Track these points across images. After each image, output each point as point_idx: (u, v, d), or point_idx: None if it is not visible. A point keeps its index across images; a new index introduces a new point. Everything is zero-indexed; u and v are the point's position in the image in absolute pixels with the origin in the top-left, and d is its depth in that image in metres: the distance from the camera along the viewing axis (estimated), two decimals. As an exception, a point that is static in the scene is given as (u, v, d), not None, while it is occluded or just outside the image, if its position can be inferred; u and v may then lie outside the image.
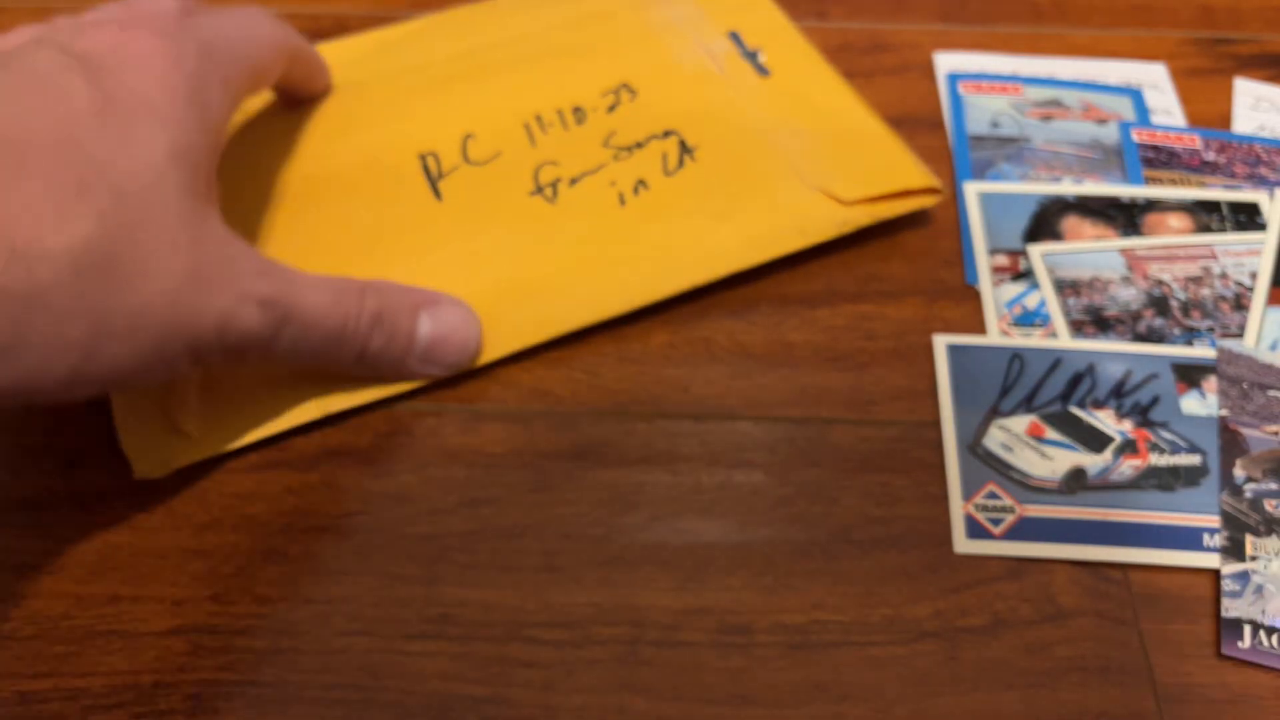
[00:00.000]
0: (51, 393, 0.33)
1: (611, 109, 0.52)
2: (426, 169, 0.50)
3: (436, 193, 0.49)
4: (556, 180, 0.49)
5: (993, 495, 0.42)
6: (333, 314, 0.40)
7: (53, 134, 0.34)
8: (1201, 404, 0.44)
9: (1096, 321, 0.47)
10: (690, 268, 0.47)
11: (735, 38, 0.55)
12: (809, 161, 0.50)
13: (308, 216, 0.48)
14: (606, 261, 0.47)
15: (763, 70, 0.54)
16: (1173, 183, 0.53)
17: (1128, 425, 0.43)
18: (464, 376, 0.45)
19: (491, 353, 0.45)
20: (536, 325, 0.45)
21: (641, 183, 0.49)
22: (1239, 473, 0.42)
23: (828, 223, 0.48)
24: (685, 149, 0.50)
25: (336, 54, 0.56)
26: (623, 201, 0.49)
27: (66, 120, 0.34)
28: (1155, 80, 0.58)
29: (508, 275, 0.46)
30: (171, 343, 0.35)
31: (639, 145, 0.50)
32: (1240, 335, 0.46)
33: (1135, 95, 0.57)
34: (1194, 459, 0.42)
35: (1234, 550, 0.40)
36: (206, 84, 0.39)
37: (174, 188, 0.36)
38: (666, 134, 0.51)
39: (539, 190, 0.49)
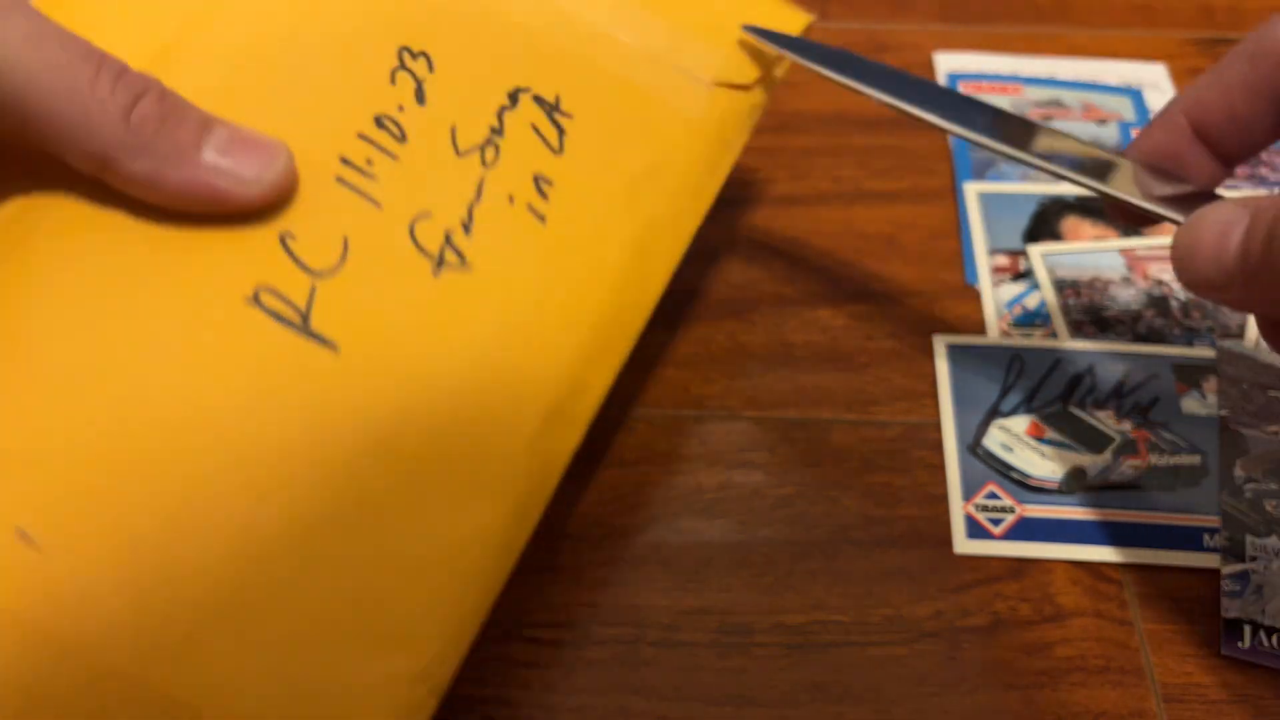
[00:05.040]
0: None
1: (420, 99, 0.37)
2: (278, 315, 0.33)
3: (316, 337, 0.33)
4: (448, 234, 0.35)
5: (993, 495, 0.42)
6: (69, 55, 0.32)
7: None
8: (1201, 404, 0.44)
9: (1096, 321, 0.47)
10: (660, 250, 0.39)
11: None
12: (677, 52, 0.41)
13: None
14: (570, 304, 0.36)
15: None
16: (1173, 183, 0.53)
17: (1128, 425, 0.43)
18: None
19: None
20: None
21: (540, 179, 0.37)
22: (1239, 473, 0.42)
23: (740, 110, 0.41)
24: (549, 106, 0.38)
25: None
26: (541, 217, 0.37)
27: None
28: (1155, 80, 0.58)
29: (447, 391, 0.34)
30: None
31: (497, 132, 0.37)
32: (1240, 335, 0.46)
33: (1135, 95, 0.57)
34: (1194, 459, 0.42)
35: (1234, 550, 0.40)
36: None
37: None
38: (512, 97, 0.38)
39: (440, 263, 0.35)
